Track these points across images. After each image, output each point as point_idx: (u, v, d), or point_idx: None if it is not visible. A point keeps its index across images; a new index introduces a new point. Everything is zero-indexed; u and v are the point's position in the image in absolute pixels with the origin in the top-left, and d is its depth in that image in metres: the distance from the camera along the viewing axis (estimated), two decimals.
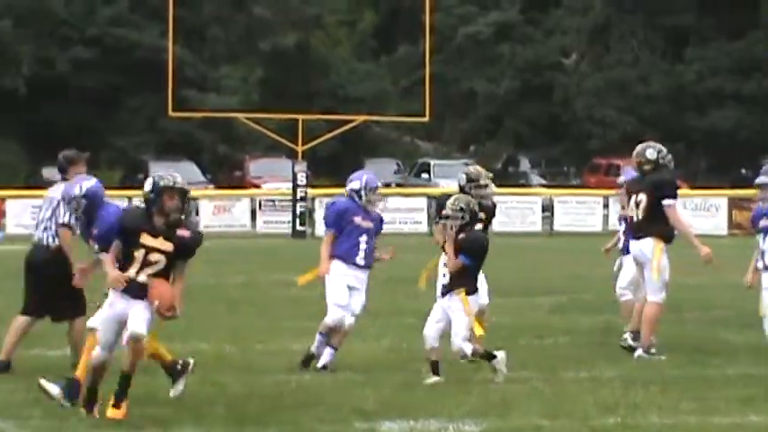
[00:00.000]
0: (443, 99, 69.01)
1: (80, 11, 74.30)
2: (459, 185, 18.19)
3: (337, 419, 14.40)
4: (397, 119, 68.99)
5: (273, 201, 54.22)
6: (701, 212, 53.03)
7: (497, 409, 15.05)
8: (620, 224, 20.87)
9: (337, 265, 17.71)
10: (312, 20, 75.82)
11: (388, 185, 62.89)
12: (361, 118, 62.96)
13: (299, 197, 52.18)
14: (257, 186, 60.86)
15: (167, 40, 55.04)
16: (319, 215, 53.35)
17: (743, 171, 68.01)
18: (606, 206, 55.89)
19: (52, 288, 17.22)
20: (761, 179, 18.81)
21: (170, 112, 55.64)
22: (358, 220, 17.94)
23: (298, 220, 51.73)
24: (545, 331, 22.06)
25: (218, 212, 53.23)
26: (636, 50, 78.78)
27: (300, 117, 56.19)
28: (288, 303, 23.68)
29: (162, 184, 13.94)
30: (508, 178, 70.26)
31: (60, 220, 17.25)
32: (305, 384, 16.70)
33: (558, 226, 55.50)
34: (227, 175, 67.65)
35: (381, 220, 18.52)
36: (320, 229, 52.51)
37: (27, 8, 71.53)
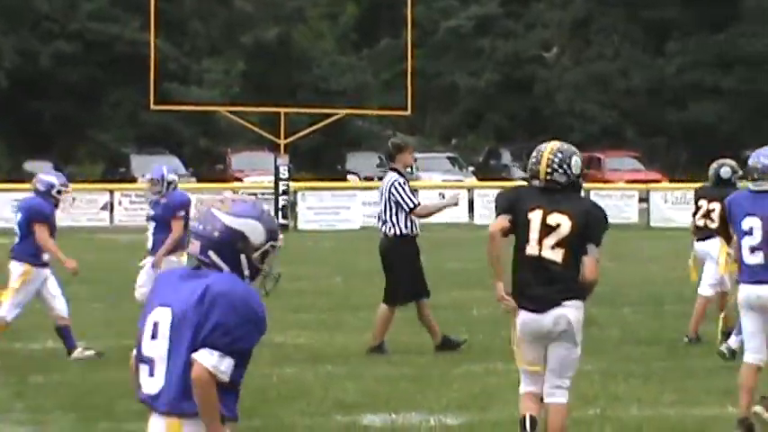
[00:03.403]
0: (425, 92, 69.01)
1: (61, 5, 74.23)
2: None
3: (319, 412, 14.48)
4: (379, 112, 69.00)
5: (256, 194, 54.11)
6: (681, 205, 53.03)
7: (478, 401, 15.13)
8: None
9: None
10: (294, 13, 75.81)
11: (370, 179, 63.01)
12: (343, 111, 62.98)
13: (281, 191, 52.20)
14: (239, 180, 60.84)
15: (149, 34, 54.91)
16: (302, 208, 53.49)
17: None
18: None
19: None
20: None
21: (152, 106, 55.49)
22: None
23: (280, 214, 51.72)
24: None
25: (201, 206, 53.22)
26: (616, 44, 78.91)
27: (282, 110, 56.22)
28: (275, 298, 23.69)
29: None
30: (490, 171, 70.42)
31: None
32: (287, 378, 16.79)
33: None
34: (208, 168, 67.56)
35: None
36: (303, 221, 52.63)
37: (8, 2, 71.44)
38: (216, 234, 7.25)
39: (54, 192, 18.72)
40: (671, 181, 60.58)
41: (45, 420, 14.07)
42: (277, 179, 52.29)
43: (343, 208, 53.96)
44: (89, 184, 59.02)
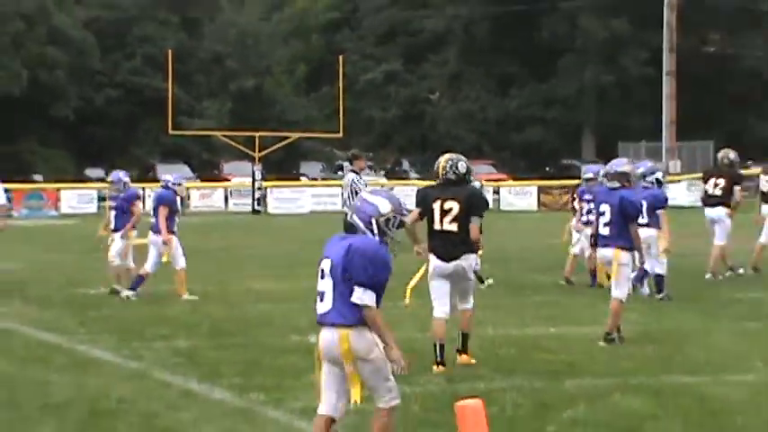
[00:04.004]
0: (351, 122, 68.97)
1: (109, 65, 74.06)
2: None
3: (280, 334, 14.44)
4: (321, 135, 68.95)
5: (240, 190, 54.15)
6: (520, 196, 53.49)
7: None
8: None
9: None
10: (264, 69, 75.62)
11: (315, 179, 63.02)
12: (297, 135, 63.02)
13: (256, 188, 52.14)
14: (228, 180, 60.70)
15: (168, 83, 54.98)
16: (270, 199, 53.39)
17: (547, 169, 68.57)
18: None
19: None
20: (588, 174, 19.50)
21: (170, 131, 55.62)
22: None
23: (256, 203, 51.64)
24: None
25: (203, 198, 53.17)
26: (478, 90, 79.07)
27: (257, 134, 56.22)
28: (252, 259, 23.65)
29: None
30: (395, 174, 70.52)
31: None
32: (259, 311, 16.73)
33: None
34: (208, 173, 67.33)
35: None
36: (271, 208, 52.52)
37: (74, 62, 71.14)
38: (359, 205, 7.72)
39: (170, 185, 18.61)
40: (513, 179, 60.72)
41: (97, 340, 14.00)
42: (254, 180, 52.25)
43: (298, 199, 53.98)
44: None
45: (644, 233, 16.84)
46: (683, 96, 64.32)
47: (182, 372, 11.85)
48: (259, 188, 52.39)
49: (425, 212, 12.25)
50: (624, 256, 13.51)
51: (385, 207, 7.73)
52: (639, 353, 12.78)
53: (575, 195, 20.58)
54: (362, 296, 7.47)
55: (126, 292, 18.11)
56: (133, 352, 13.06)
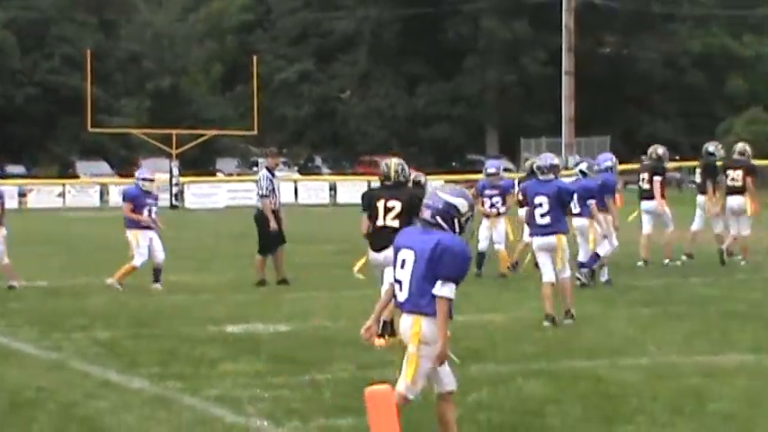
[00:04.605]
0: (266, 119, 68.70)
1: (29, 64, 73.10)
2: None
3: (197, 324, 14.35)
4: (236, 132, 68.70)
5: (158, 186, 53.67)
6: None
7: (300, 316, 15.10)
8: None
9: None
10: (181, 69, 75.08)
11: (231, 175, 62.72)
12: (213, 132, 62.72)
13: (174, 183, 51.78)
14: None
15: (86, 83, 54.53)
16: (187, 194, 53.04)
17: (453, 164, 68.90)
18: (369, 186, 56.25)
19: None
20: (490, 170, 19.81)
21: (89, 128, 55.12)
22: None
23: (174, 198, 51.28)
24: (331, 265, 22.14)
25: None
26: (387, 89, 79.19)
27: (174, 132, 55.93)
28: (170, 252, 23.34)
29: None
30: (308, 170, 70.48)
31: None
32: (177, 303, 16.62)
33: (339, 200, 55.73)
34: (127, 169, 66.72)
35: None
36: (188, 203, 52.15)
37: None
38: (441, 206, 7.76)
39: (138, 181, 18.55)
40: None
41: (17, 332, 13.80)
42: (171, 176, 51.85)
43: (214, 194, 53.74)
44: (49, 180, 58.12)
45: (577, 222, 17.13)
46: (580, 95, 64.96)
47: (101, 362, 11.72)
48: (176, 184, 52.06)
49: (371, 210, 12.88)
50: (564, 240, 14.06)
51: (464, 206, 7.83)
52: (541, 338, 12.86)
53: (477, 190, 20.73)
54: (444, 289, 7.63)
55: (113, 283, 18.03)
56: (53, 343, 12.89)
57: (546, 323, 13.64)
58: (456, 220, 7.78)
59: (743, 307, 15.26)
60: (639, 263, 20.79)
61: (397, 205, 12.74)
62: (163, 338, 13.16)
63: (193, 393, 10.07)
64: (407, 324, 7.74)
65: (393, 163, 13.04)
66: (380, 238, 12.61)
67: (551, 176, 14.25)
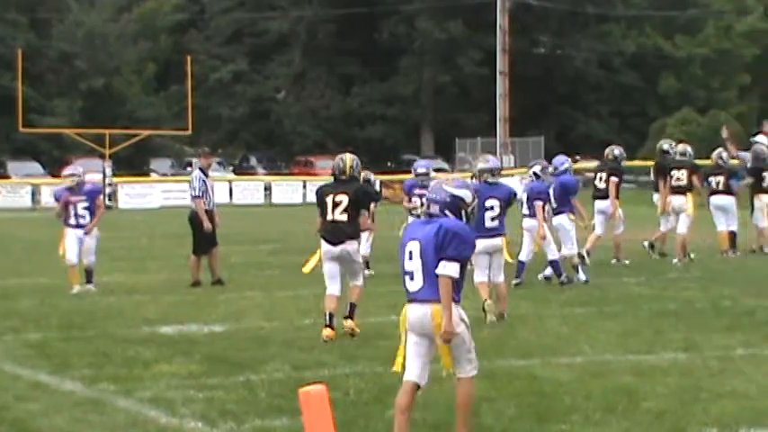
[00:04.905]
0: (200, 119, 68.40)
1: None
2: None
3: (131, 325, 14.27)
4: (170, 132, 68.35)
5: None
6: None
7: (234, 316, 15.06)
8: None
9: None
10: (114, 69, 74.42)
11: (165, 175, 62.42)
12: (147, 132, 62.34)
13: (107, 183, 51.44)
14: None
15: (17, 82, 54.13)
16: (121, 195, 52.69)
17: (388, 164, 68.96)
18: (305, 187, 56.51)
19: None
20: (420, 170, 20.00)
21: (21, 128, 54.73)
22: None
23: (107, 199, 50.91)
24: (266, 266, 22.11)
25: None
26: (321, 89, 79.12)
27: (107, 132, 55.56)
28: (103, 253, 23.16)
29: None
30: (243, 170, 70.24)
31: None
32: (110, 303, 16.51)
33: (274, 200, 55.64)
34: (59, 169, 66.04)
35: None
36: (122, 203, 51.81)
37: None
38: (448, 199, 8.05)
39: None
40: None
41: None
42: (104, 176, 51.52)
43: (148, 194, 53.44)
44: None
45: (527, 223, 17.29)
46: (515, 95, 65.29)
47: (31, 364, 11.62)
48: (109, 184, 51.70)
49: (322, 205, 13.45)
50: (505, 241, 14.61)
51: (468, 197, 8.14)
52: (475, 337, 12.89)
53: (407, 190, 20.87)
54: (446, 267, 7.86)
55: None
56: None
57: (491, 317, 13.94)
58: (463, 211, 8.10)
59: (675, 306, 15.42)
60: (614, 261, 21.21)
61: (344, 199, 13.27)
62: (96, 340, 13.06)
63: (127, 395, 10.01)
64: (423, 314, 7.98)
65: (348, 158, 13.62)
66: (334, 233, 13.27)
67: (498, 180, 14.78)
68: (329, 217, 13.33)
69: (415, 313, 8.04)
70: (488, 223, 14.37)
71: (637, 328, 13.29)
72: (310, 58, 79.49)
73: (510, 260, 15.06)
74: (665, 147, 22.55)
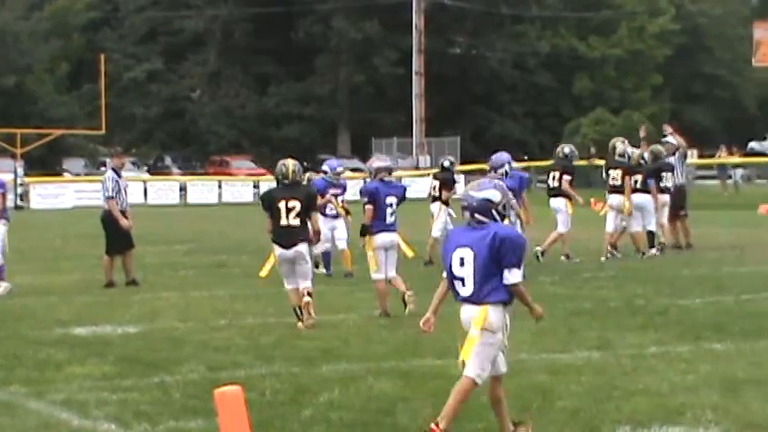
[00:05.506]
0: (114, 119, 67.80)
1: None
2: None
3: (44, 327, 14.10)
4: (83, 132, 67.65)
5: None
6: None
7: (149, 316, 14.94)
8: None
9: None
10: (25, 67, 73.49)
11: (79, 175, 61.83)
12: (60, 131, 61.72)
13: (19, 183, 50.80)
14: None
15: None
16: (33, 195, 52.05)
17: (305, 164, 68.49)
18: (220, 187, 56.32)
19: None
20: (331, 168, 20.13)
21: None
22: None
23: (18, 199, 50.30)
24: (180, 266, 21.97)
25: None
26: (237, 88, 78.82)
27: (19, 131, 54.90)
28: (14, 254, 22.91)
29: None
30: (157, 170, 69.71)
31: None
32: (23, 305, 16.30)
33: (190, 200, 55.32)
34: None
35: None
36: (34, 203, 51.19)
37: None
38: (476, 204, 8.22)
39: None
40: (271, 174, 60.78)
41: None
42: (15, 176, 50.86)
43: (61, 194, 52.86)
44: None
45: None
46: (431, 95, 65.59)
47: None
48: (21, 184, 51.06)
49: (273, 211, 13.95)
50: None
51: (496, 196, 8.26)
52: (391, 337, 12.94)
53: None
54: (512, 276, 8.13)
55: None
56: None
57: (411, 307, 14.49)
58: (495, 211, 8.23)
59: (589, 305, 15.57)
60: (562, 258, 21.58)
61: (297, 205, 13.86)
62: (7, 341, 12.89)
63: (38, 397, 9.88)
64: (471, 314, 8.28)
65: (291, 164, 14.14)
66: (288, 237, 13.83)
67: (393, 179, 15.45)
68: (283, 222, 13.86)
69: (466, 314, 8.37)
70: (388, 219, 14.92)
71: (551, 327, 13.39)
72: (226, 57, 79.17)
73: (410, 255, 15.89)
74: (619, 147, 22.83)
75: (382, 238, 14.81)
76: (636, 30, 79.59)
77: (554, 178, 21.98)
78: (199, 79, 79.81)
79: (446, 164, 22.89)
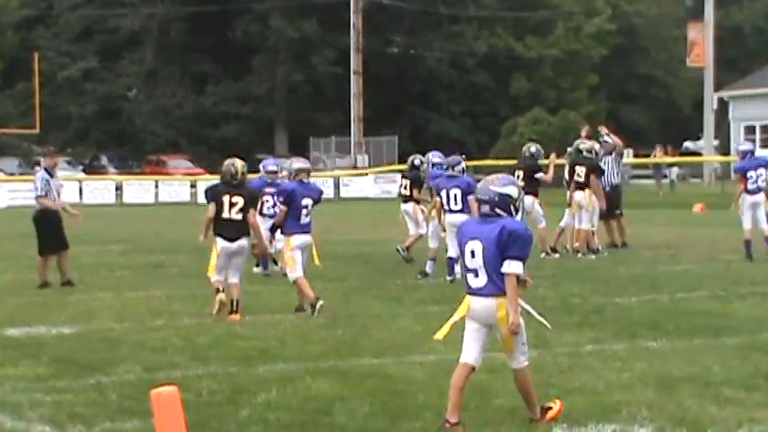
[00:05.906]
0: (49, 118, 67.24)
1: None
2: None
3: None
4: (17, 131, 67.00)
5: None
6: None
7: (84, 317, 14.83)
8: None
9: None
10: None
11: (12, 174, 61.19)
12: None
13: None
14: None
15: None
16: None
17: None
18: (157, 186, 56.00)
19: None
20: (270, 168, 20.06)
21: None
22: None
23: None
24: (116, 266, 21.80)
25: None
26: (174, 87, 78.45)
27: None
28: None
29: None
30: (93, 169, 69.15)
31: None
32: None
33: (126, 200, 54.93)
34: None
35: None
36: None
37: None
38: (497, 198, 8.47)
39: None
40: (209, 173, 60.40)
41: None
42: None
43: None
44: None
45: (456, 218, 17.26)
46: (369, 94, 65.63)
47: None
48: None
49: (218, 205, 14.58)
50: None
51: (514, 192, 8.55)
52: (329, 337, 12.93)
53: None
54: (511, 266, 8.35)
55: None
56: None
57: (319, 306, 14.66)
58: (512, 206, 8.52)
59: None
60: (542, 254, 21.88)
61: (240, 201, 14.56)
62: None
63: None
64: (488, 307, 8.52)
65: (239, 163, 14.92)
66: (230, 230, 14.55)
67: (307, 179, 15.47)
68: (225, 215, 14.56)
69: (479, 305, 8.58)
70: (303, 220, 15.07)
71: None
72: (163, 56, 78.77)
73: (318, 262, 15.68)
74: (581, 147, 23.05)
75: (298, 240, 14.97)
76: (572, 30, 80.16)
77: (519, 177, 21.85)
78: (135, 78, 79.34)
79: (416, 162, 22.53)
